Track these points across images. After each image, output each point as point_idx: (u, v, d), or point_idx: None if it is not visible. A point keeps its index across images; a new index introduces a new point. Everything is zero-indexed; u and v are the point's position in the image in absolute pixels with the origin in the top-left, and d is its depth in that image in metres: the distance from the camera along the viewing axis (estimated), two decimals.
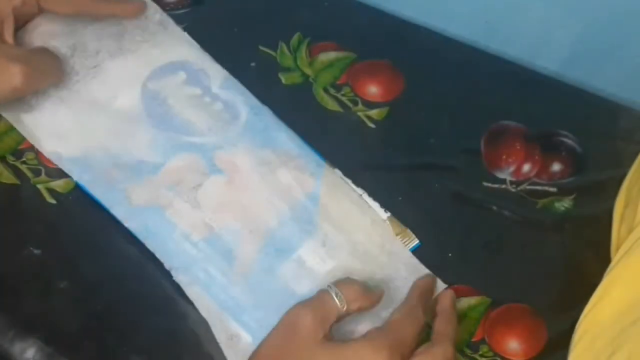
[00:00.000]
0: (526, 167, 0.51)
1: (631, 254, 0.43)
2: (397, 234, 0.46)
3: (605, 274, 0.43)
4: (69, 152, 0.47)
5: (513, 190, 0.50)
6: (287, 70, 0.53)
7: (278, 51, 0.54)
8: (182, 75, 0.49)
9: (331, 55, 0.54)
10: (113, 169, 0.46)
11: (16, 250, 0.44)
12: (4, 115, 0.48)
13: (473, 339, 0.44)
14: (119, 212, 0.45)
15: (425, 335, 0.42)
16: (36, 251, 0.44)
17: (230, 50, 0.53)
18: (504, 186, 0.50)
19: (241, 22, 0.55)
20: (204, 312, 0.43)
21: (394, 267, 0.45)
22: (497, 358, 0.44)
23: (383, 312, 0.43)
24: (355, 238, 0.45)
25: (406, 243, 0.46)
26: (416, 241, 0.47)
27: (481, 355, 0.44)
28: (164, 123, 0.48)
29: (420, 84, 0.54)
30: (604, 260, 0.45)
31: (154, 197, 0.45)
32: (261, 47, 0.54)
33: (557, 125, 0.53)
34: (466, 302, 0.45)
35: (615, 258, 0.44)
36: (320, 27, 0.55)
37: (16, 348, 0.41)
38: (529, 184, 0.50)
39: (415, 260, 0.46)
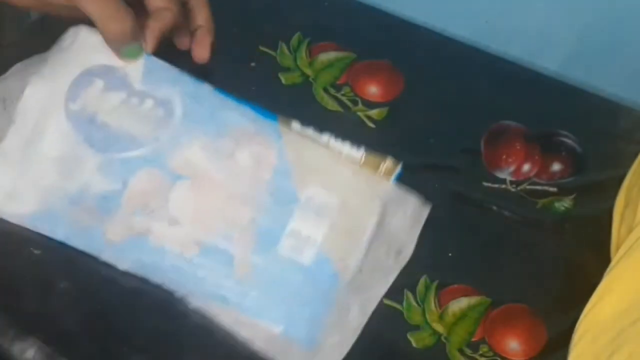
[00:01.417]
0: (526, 167, 0.51)
1: (631, 254, 0.43)
2: (377, 169, 0.45)
3: (605, 274, 0.43)
4: (30, 210, 0.43)
5: (513, 190, 0.50)
6: (287, 70, 0.53)
7: (278, 51, 0.54)
8: (98, 83, 0.45)
9: (331, 55, 0.54)
10: (79, 212, 0.43)
11: (16, 250, 0.44)
12: None
13: (473, 339, 0.44)
14: (108, 256, 0.43)
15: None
16: (36, 251, 0.44)
17: (230, 50, 0.53)
18: (504, 186, 0.50)
19: (241, 22, 0.55)
20: (232, 326, 0.42)
21: (387, 208, 0.44)
22: (497, 358, 0.44)
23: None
24: (341, 194, 0.44)
25: (390, 174, 0.45)
26: (399, 167, 0.45)
27: (481, 355, 0.44)
28: (105, 144, 0.44)
29: (420, 84, 0.54)
30: (604, 260, 0.45)
31: (130, 227, 0.43)
32: (261, 47, 0.54)
33: (557, 125, 0.53)
34: (466, 302, 0.45)
35: (615, 258, 0.44)
36: (320, 27, 0.55)
37: (16, 348, 0.41)
38: (529, 184, 0.50)
39: (403, 192, 0.45)
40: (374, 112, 0.52)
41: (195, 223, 0.43)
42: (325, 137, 0.45)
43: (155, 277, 0.43)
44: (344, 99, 0.52)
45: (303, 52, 0.54)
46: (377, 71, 0.54)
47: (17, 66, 0.47)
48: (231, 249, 0.43)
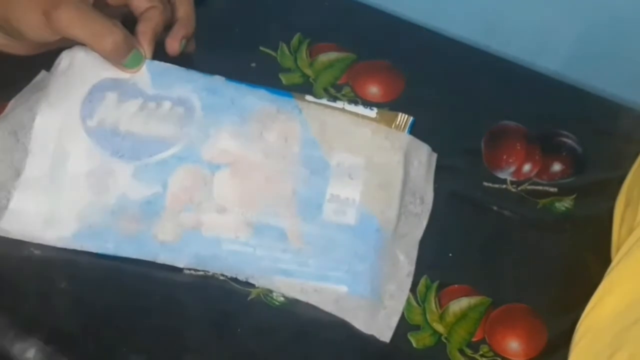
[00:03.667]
0: (526, 167, 0.51)
1: (631, 254, 0.43)
2: (391, 124, 0.47)
3: (605, 274, 0.43)
4: (72, 231, 0.43)
5: (513, 190, 0.50)
6: (288, 70, 0.53)
7: (278, 52, 0.54)
8: (111, 96, 0.45)
9: (331, 55, 0.54)
10: (124, 221, 0.44)
11: (16, 250, 0.44)
12: None
13: (473, 339, 0.44)
14: (164, 258, 0.44)
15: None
16: (36, 251, 0.44)
17: (231, 51, 0.53)
18: (504, 186, 0.50)
19: (241, 22, 0.55)
20: (299, 296, 0.44)
21: (408, 160, 0.47)
22: (497, 358, 0.44)
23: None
24: (366, 152, 0.46)
25: (404, 126, 0.47)
26: (410, 118, 0.47)
27: (481, 355, 0.44)
28: (134, 151, 0.44)
29: (420, 84, 0.54)
30: (604, 261, 0.45)
31: (180, 224, 0.44)
32: (262, 48, 0.54)
33: (557, 125, 0.53)
34: (466, 302, 0.45)
35: (615, 258, 0.44)
36: (320, 28, 0.56)
37: (16, 348, 0.41)
38: (530, 184, 0.50)
39: (418, 142, 0.48)
40: None
41: (243, 207, 0.44)
42: (340, 103, 0.47)
43: (215, 268, 0.44)
44: (344, 99, 0.52)
45: (303, 53, 0.54)
46: (377, 71, 0.54)
47: (18, 98, 0.47)
48: (281, 223, 0.44)
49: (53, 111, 0.44)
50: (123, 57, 0.45)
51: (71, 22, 0.43)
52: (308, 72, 0.53)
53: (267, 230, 0.44)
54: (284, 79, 0.53)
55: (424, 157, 0.48)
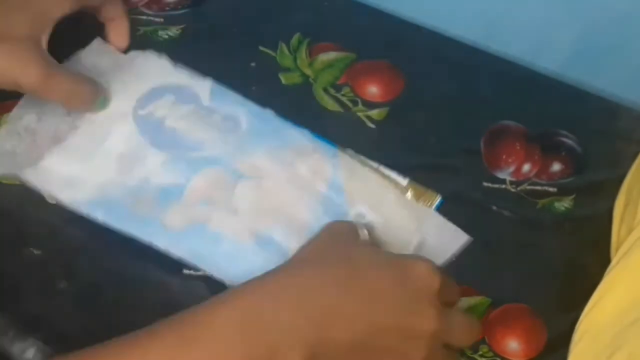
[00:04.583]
0: (526, 167, 0.51)
1: (631, 254, 0.43)
2: (419, 198, 0.47)
3: (605, 274, 0.43)
4: (87, 197, 0.45)
5: (513, 190, 0.50)
6: (287, 70, 0.53)
7: (278, 51, 0.54)
8: (169, 97, 0.49)
9: (331, 55, 0.54)
10: (137, 202, 0.45)
11: (16, 250, 0.44)
12: (10, 174, 0.46)
13: None
14: (162, 243, 0.44)
15: None
16: (36, 251, 0.44)
17: (230, 50, 0.53)
18: (504, 186, 0.50)
19: (241, 22, 0.55)
20: None
21: (425, 231, 0.47)
22: (497, 358, 0.44)
23: None
24: (385, 214, 0.46)
25: (430, 203, 0.48)
26: (439, 198, 0.48)
27: (481, 356, 0.44)
28: (171, 144, 0.47)
29: (420, 84, 0.54)
30: (604, 261, 0.45)
31: (190, 216, 0.45)
32: (261, 48, 0.54)
33: (557, 125, 0.53)
34: (466, 302, 0.45)
35: (615, 258, 0.44)
36: (320, 28, 0.55)
37: (16, 348, 0.41)
38: (529, 184, 0.50)
39: (442, 219, 0.47)
40: (374, 112, 0.52)
41: (253, 215, 0.45)
42: (374, 163, 0.48)
43: (207, 267, 0.44)
44: (344, 99, 0.52)
45: (303, 53, 0.54)
46: (377, 71, 0.54)
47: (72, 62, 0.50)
48: (286, 243, 0.45)
49: (112, 100, 0.48)
50: (92, 106, 0.47)
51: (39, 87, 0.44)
52: (307, 71, 0.53)
53: (270, 244, 0.44)
54: (283, 78, 0.53)
55: (446, 236, 0.47)
